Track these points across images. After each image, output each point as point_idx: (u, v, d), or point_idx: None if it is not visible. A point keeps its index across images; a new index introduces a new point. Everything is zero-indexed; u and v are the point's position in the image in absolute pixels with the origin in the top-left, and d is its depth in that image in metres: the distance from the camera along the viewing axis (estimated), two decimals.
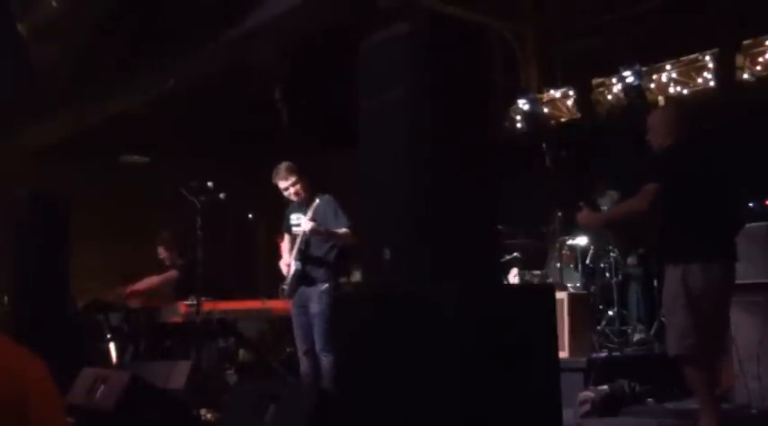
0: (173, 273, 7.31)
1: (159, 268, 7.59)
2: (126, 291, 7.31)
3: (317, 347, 5.34)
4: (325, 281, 5.44)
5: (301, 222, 5.50)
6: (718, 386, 4.54)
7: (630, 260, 7.03)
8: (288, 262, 5.56)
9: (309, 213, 5.42)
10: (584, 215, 4.45)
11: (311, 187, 5.60)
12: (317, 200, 5.46)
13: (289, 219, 5.71)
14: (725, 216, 4.15)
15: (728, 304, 4.17)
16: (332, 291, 5.38)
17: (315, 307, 5.37)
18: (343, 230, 5.42)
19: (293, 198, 5.59)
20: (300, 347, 5.53)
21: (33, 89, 8.51)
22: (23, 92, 8.41)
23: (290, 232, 5.71)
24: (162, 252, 7.50)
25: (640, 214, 4.25)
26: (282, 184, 5.56)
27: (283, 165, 5.57)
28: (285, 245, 5.78)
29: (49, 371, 1.78)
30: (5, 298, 6.71)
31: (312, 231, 5.37)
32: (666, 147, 4.21)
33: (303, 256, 5.50)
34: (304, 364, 5.51)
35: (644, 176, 4.09)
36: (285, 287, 5.58)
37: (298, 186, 5.54)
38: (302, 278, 5.48)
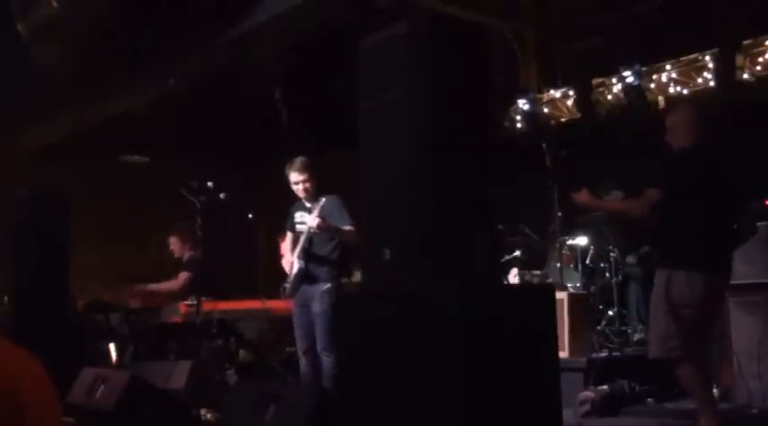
0: (183, 276, 7.18)
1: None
2: (136, 291, 7.22)
3: (319, 347, 5.33)
4: (327, 281, 5.42)
5: (306, 220, 5.48)
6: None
7: (630, 259, 7.03)
8: (291, 261, 5.55)
9: (316, 210, 5.39)
10: (582, 194, 4.40)
11: (319, 187, 5.59)
12: (323, 199, 5.45)
13: (293, 218, 5.69)
14: (723, 227, 4.11)
15: (713, 313, 4.15)
16: (334, 291, 5.36)
17: (317, 307, 5.36)
18: (349, 227, 5.40)
19: (301, 194, 5.57)
20: (300, 346, 5.52)
21: (33, 89, 8.50)
22: (23, 92, 8.41)
23: (293, 230, 5.69)
24: (174, 243, 7.31)
25: (636, 217, 4.26)
26: (295, 177, 5.53)
27: (300, 159, 5.55)
28: (287, 244, 5.77)
29: (45, 371, 1.77)
30: (5, 298, 6.71)
31: (319, 226, 5.31)
32: (683, 149, 4.18)
33: (307, 254, 5.47)
34: (303, 364, 5.50)
35: (652, 178, 4.08)
36: (287, 285, 5.56)
37: (308, 184, 5.52)
38: (305, 277, 5.46)
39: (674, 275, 3.95)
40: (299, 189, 5.56)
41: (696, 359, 4.00)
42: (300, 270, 5.45)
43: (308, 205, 5.58)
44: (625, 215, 4.68)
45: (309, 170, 5.53)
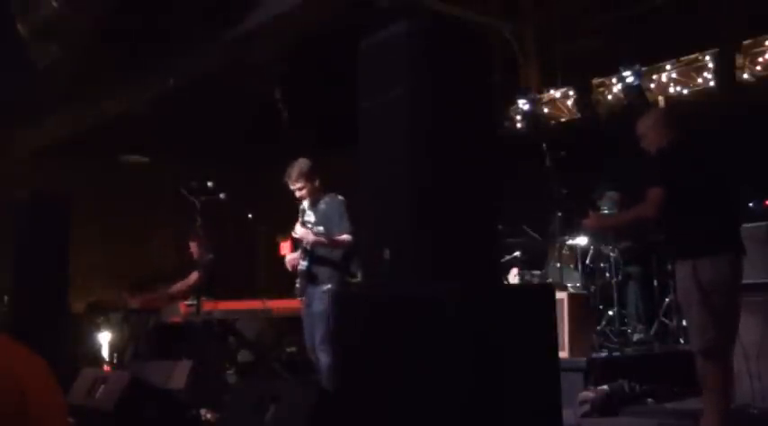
0: (195, 275, 7.16)
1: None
2: (150, 297, 7.18)
3: (315, 344, 5.33)
4: (328, 281, 5.42)
5: (302, 227, 5.47)
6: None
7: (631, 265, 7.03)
8: (292, 259, 5.57)
9: (311, 217, 5.43)
10: (591, 219, 4.46)
11: (320, 189, 5.57)
12: (323, 204, 5.45)
13: (304, 214, 5.66)
14: (728, 210, 4.17)
15: (739, 297, 4.17)
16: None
17: (317, 306, 5.36)
18: (343, 237, 5.38)
19: (300, 199, 5.59)
20: (307, 345, 5.53)
21: (33, 89, 8.50)
22: (23, 92, 8.41)
23: (303, 226, 5.66)
24: (194, 247, 7.22)
25: (648, 220, 4.27)
26: (290, 186, 5.55)
27: (293, 168, 5.53)
28: (288, 243, 5.77)
29: (49, 370, 1.77)
30: (5, 298, 6.72)
31: (307, 244, 5.38)
32: (662, 148, 4.22)
33: (309, 255, 5.48)
34: (314, 361, 5.50)
35: (644, 180, 4.10)
36: (298, 286, 5.59)
37: (304, 190, 5.52)
38: (309, 277, 5.49)
39: (699, 263, 3.96)
40: (297, 195, 5.57)
41: (725, 359, 4.01)
42: (303, 271, 5.47)
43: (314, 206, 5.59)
44: (637, 222, 4.70)
45: (303, 177, 5.49)
